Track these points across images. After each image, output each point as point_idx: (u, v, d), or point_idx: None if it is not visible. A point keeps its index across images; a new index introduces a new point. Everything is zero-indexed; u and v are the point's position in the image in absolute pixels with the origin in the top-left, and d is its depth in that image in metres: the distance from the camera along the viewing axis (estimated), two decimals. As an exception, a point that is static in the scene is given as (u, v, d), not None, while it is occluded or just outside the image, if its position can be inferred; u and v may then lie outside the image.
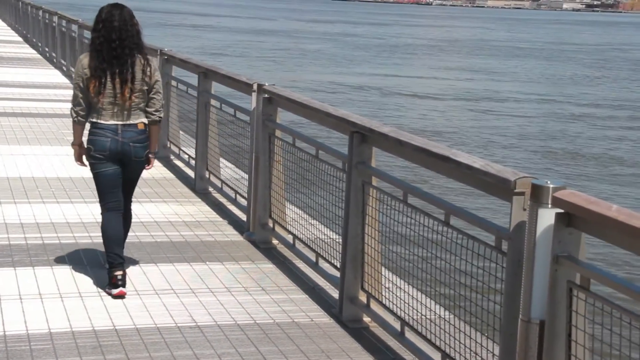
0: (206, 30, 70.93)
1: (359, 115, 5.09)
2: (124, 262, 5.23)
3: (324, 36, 71.32)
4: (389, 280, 4.84)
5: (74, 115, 5.27)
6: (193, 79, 8.38)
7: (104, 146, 5.19)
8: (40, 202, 7.17)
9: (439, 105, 28.84)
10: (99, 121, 5.21)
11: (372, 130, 4.69)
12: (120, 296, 5.07)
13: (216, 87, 8.03)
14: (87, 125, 5.29)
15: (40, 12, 22.18)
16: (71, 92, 5.41)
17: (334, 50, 53.43)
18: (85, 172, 7.61)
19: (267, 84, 6.40)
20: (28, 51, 23.03)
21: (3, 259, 5.62)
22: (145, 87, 5.26)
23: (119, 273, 5.14)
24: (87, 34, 11.48)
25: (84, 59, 5.25)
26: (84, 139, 5.35)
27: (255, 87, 6.46)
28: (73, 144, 5.42)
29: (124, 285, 5.13)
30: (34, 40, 23.96)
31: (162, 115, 5.41)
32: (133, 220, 5.76)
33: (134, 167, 5.33)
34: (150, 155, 5.34)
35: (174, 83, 9.29)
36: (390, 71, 41.15)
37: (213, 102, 7.88)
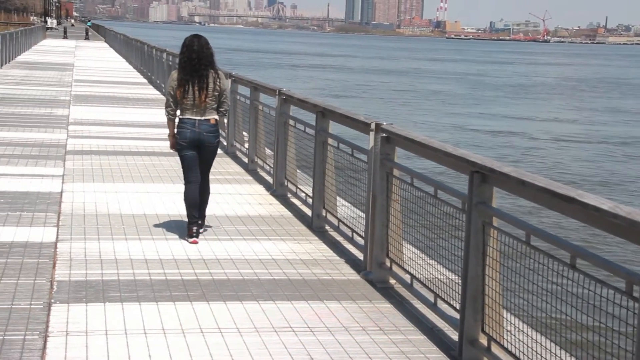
0: (324, 70, 71.74)
1: (480, 155, 5.01)
2: (198, 220, 7.32)
3: (446, 75, 70.91)
4: (510, 323, 4.71)
5: (166, 114, 7.36)
6: (311, 118, 8.48)
7: (186, 136, 7.27)
8: (163, 239, 7.37)
9: (578, 149, 27.99)
10: (183, 117, 7.28)
11: (493, 170, 4.61)
12: (194, 244, 7.11)
13: (333, 127, 8.08)
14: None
15: (164, 55, 23.02)
16: None
17: (461, 91, 52.97)
18: (207, 211, 7.78)
19: (385, 123, 6.40)
20: (152, 92, 23.93)
21: (128, 294, 5.79)
22: (217, 93, 7.26)
23: (194, 227, 7.24)
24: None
25: (174, 74, 7.32)
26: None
27: (373, 126, 6.48)
28: (169, 135, 7.47)
29: (197, 236, 7.23)
30: (158, 81, 24.86)
31: (227, 112, 7.50)
32: (251, 257, 6.69)
33: (208, 150, 7.37)
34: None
35: (291, 122, 9.42)
36: (523, 112, 40.32)
37: (330, 141, 7.94)
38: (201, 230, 7.47)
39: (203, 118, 7.25)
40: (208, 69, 7.22)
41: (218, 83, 7.26)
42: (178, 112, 7.42)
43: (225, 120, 12.48)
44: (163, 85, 23.26)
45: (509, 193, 4.61)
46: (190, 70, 7.19)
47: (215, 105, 7.30)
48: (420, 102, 44.57)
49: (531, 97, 51.24)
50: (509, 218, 4.58)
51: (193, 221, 7.26)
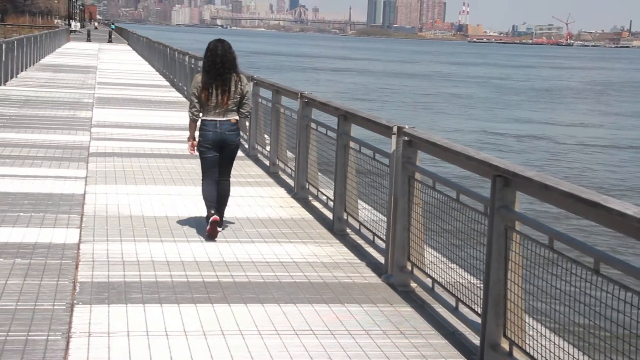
0: (346, 73, 71.59)
1: (502, 159, 4.99)
2: (216, 207, 7.51)
3: (468, 79, 70.52)
4: (533, 328, 4.68)
5: (191, 115, 7.63)
6: (333, 121, 8.47)
7: (209, 137, 7.55)
8: (185, 241, 7.40)
9: (605, 154, 27.66)
10: (206, 118, 7.55)
11: (516, 174, 4.59)
12: (212, 233, 7.35)
13: (355, 130, 8.07)
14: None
15: (187, 58, 23.11)
16: None
17: (484, 94, 52.64)
18: (229, 213, 7.84)
19: (407, 127, 6.38)
20: (174, 95, 24.02)
21: (150, 296, 5.81)
22: (238, 96, 7.56)
23: (213, 210, 7.45)
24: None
25: (198, 77, 7.63)
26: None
27: (395, 129, 6.46)
28: (189, 138, 7.76)
29: (216, 214, 7.42)
30: (180, 84, 24.97)
31: (249, 114, 7.83)
32: (272, 260, 6.74)
33: (230, 148, 7.64)
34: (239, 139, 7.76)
35: (313, 125, 9.42)
36: (547, 116, 39.92)
37: (352, 144, 7.94)
38: (219, 229, 7.59)
39: (224, 119, 7.55)
40: (231, 72, 7.52)
41: (240, 86, 7.55)
42: (200, 114, 7.61)
43: (247, 123, 12.55)
44: (185, 88, 23.37)
45: (532, 197, 4.59)
46: (214, 74, 7.48)
47: (236, 107, 7.60)
48: (442, 105, 44.43)
49: (556, 101, 50.90)
50: (532, 222, 4.55)
51: (211, 206, 7.50)
